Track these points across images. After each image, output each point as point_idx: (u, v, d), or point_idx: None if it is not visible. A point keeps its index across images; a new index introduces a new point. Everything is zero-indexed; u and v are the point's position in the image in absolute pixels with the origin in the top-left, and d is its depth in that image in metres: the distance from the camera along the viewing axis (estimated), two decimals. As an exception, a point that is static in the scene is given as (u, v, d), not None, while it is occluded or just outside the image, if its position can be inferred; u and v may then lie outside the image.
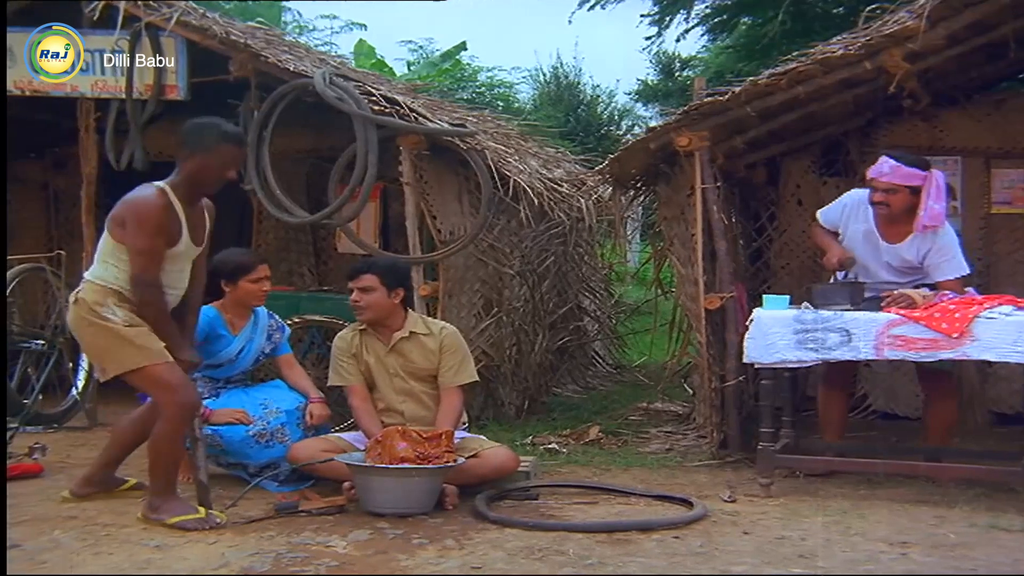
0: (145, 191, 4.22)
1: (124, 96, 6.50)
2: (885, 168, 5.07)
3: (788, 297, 5.10)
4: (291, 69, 6.26)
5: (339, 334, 5.12)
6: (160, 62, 6.44)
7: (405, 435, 4.49)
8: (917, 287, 5.04)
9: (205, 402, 4.85)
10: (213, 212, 4.48)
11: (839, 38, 5.46)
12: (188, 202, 4.27)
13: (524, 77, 22.64)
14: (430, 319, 5.23)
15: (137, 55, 6.43)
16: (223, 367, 5.07)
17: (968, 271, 5.21)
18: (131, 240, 4.16)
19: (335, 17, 20.20)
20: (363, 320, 4.94)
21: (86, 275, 4.32)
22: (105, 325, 4.16)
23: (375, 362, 4.93)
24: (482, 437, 5.12)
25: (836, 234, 5.36)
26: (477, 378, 5.15)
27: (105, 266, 4.24)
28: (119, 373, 4.22)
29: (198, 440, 4.31)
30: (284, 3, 17.81)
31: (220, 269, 5.06)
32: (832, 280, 5.34)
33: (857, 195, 5.30)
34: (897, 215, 5.11)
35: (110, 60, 6.47)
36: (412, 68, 19.13)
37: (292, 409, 4.98)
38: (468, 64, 19.82)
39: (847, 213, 5.31)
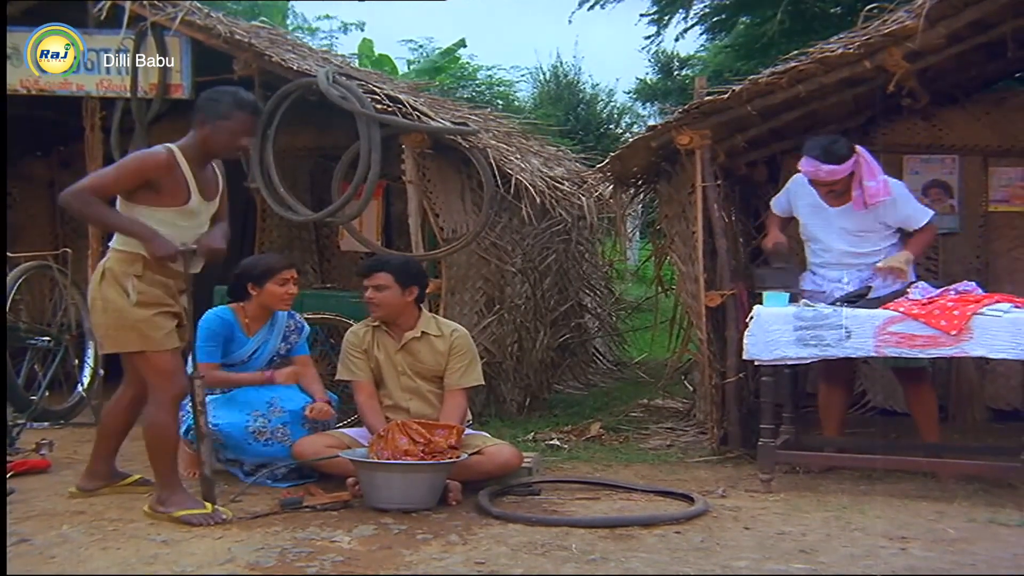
0: (153, 147, 4.27)
1: (129, 95, 6.55)
2: (822, 174, 5.17)
3: (788, 294, 5.14)
4: (295, 68, 6.30)
5: (352, 328, 5.13)
6: (164, 61, 6.49)
7: (406, 429, 4.54)
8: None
9: (212, 398, 4.87)
10: (222, 167, 4.47)
11: (838, 37, 5.48)
12: (197, 164, 4.28)
13: (524, 76, 22.71)
14: (443, 320, 5.22)
15: (142, 54, 6.48)
16: (236, 367, 5.09)
17: (931, 212, 5.35)
18: (107, 170, 4.20)
19: (330, 17, 20.28)
20: (376, 317, 4.97)
21: (111, 244, 4.30)
22: (116, 304, 4.16)
23: (385, 359, 4.96)
24: (485, 434, 5.14)
25: (788, 221, 5.58)
26: (483, 382, 5.18)
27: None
28: (116, 352, 4.28)
29: (203, 435, 4.35)
30: (287, 1, 17.83)
31: (249, 272, 5.08)
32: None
33: (799, 178, 5.41)
34: (843, 191, 5.27)
35: (114, 59, 6.52)
36: (412, 67, 19.13)
37: (297, 410, 4.97)
38: (468, 63, 19.83)
39: (793, 195, 5.47)
